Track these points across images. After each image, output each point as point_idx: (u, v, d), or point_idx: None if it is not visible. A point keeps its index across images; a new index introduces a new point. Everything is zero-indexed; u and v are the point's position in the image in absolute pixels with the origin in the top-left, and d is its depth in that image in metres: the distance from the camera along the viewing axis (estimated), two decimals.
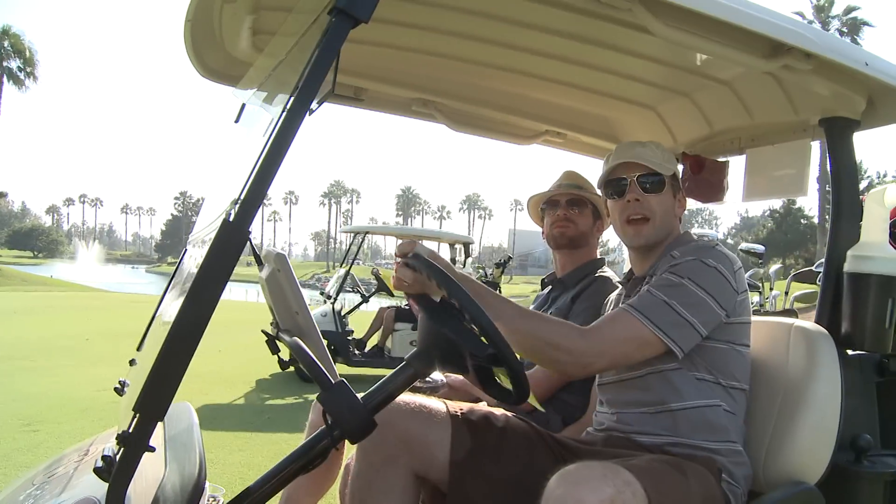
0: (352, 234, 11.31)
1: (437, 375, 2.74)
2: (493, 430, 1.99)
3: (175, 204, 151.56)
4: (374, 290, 10.89)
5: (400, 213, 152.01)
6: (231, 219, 1.41)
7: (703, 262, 1.94)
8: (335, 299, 9.61)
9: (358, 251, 11.13)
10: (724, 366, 1.98)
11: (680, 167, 2.89)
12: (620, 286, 2.33)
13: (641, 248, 2.18)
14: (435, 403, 2.01)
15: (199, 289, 1.40)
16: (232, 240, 1.40)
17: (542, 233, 3.06)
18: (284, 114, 1.44)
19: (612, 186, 2.17)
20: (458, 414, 2.00)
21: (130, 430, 1.37)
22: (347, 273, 10.38)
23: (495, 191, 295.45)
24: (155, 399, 1.37)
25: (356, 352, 9.53)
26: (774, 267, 11.05)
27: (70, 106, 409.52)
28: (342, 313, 9.77)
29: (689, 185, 2.78)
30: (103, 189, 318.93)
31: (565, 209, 2.88)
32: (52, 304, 18.36)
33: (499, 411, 2.09)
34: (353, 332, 9.90)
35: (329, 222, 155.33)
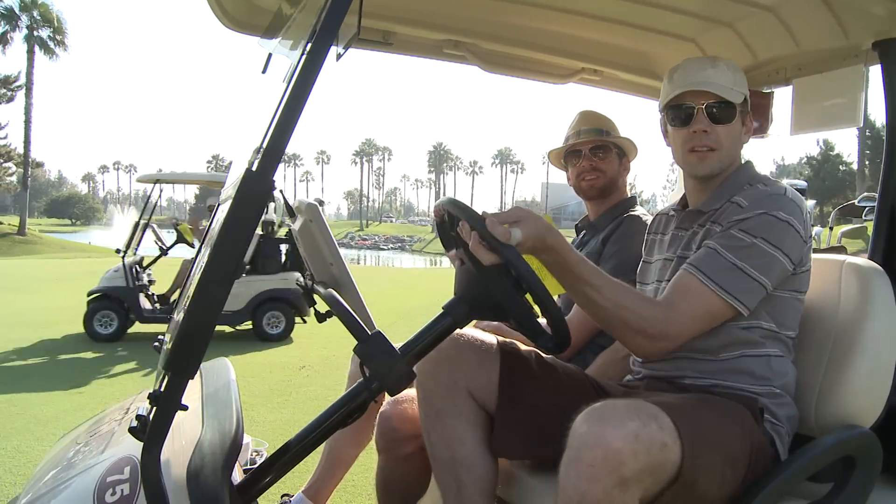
0: (151, 185, 10.41)
1: None
2: (540, 364, 1.98)
3: (208, 167, 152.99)
4: (174, 243, 10.30)
5: (432, 169, 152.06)
6: (254, 168, 1.36)
7: (775, 217, 1.81)
8: (125, 253, 9.17)
9: (156, 204, 10.39)
10: (783, 316, 1.89)
11: None
12: (673, 212, 2.17)
13: (707, 178, 2.02)
14: (482, 335, 1.98)
15: (226, 241, 1.36)
16: (256, 189, 1.35)
17: (568, 181, 2.96)
18: (304, 57, 1.38)
19: (676, 113, 1.99)
20: (506, 344, 1.98)
21: (162, 390, 1.36)
22: (137, 225, 9.79)
23: (527, 144, 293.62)
24: (184, 356, 1.34)
25: (149, 307, 9.16)
26: (810, 202, 10.54)
27: (99, 73, 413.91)
28: (143, 267, 9.43)
29: None
30: (136, 155, 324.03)
31: (590, 159, 2.79)
32: (92, 269, 18.64)
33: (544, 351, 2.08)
34: (149, 285, 9.50)
35: (361, 181, 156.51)
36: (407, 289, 14.93)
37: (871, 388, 1.94)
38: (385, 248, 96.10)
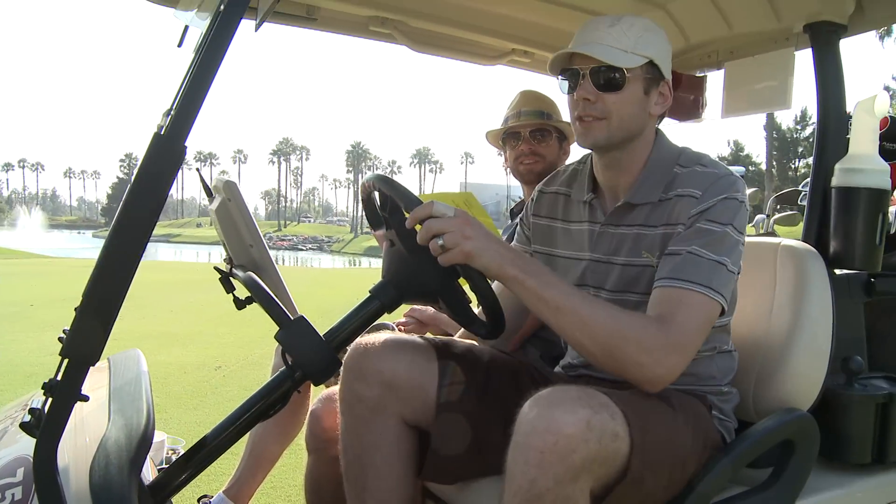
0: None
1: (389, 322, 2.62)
2: (478, 366, 1.84)
3: (121, 166, 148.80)
4: None
5: (350, 168, 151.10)
6: (163, 132, 1.23)
7: (735, 199, 1.69)
8: None
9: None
10: (730, 301, 1.76)
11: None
12: (586, 199, 1.91)
13: (600, 150, 1.83)
14: (418, 341, 1.84)
15: (132, 211, 1.22)
16: (166, 155, 1.23)
17: (504, 163, 2.90)
18: (214, 27, 1.26)
19: (566, 77, 1.80)
20: (443, 349, 1.83)
21: (59, 378, 1.20)
22: None
23: (446, 144, 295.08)
24: (85, 340, 1.19)
25: None
26: (750, 190, 10.41)
27: (2, 65, 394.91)
28: None
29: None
30: (44, 153, 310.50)
31: (529, 142, 2.74)
32: None
33: (483, 345, 1.94)
34: None
35: (279, 181, 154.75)
36: (327, 288, 14.72)
37: (809, 370, 1.93)
38: (304, 248, 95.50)
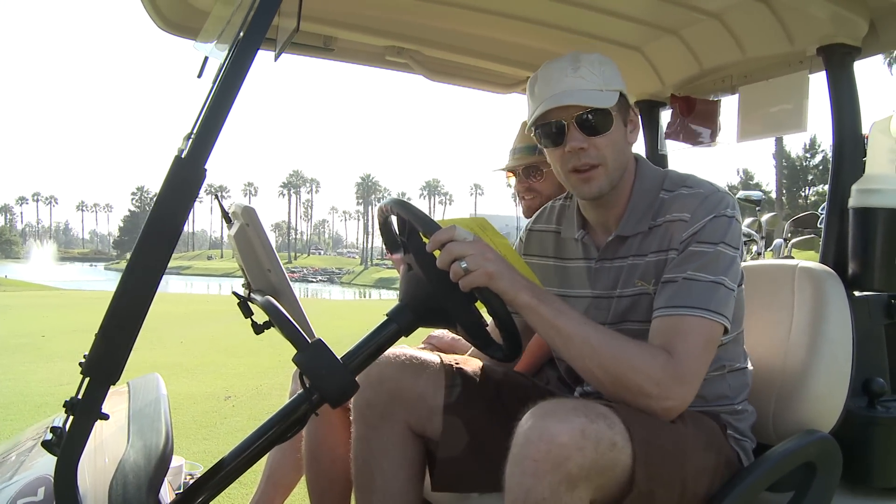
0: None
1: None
2: (488, 385, 1.87)
3: (132, 199, 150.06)
4: None
5: (360, 200, 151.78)
6: (183, 155, 1.25)
7: (725, 215, 1.68)
8: None
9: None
10: (736, 315, 1.74)
11: (669, 111, 2.78)
12: (577, 236, 1.92)
13: (595, 198, 1.82)
14: (427, 355, 1.88)
15: (153, 233, 1.23)
16: (187, 178, 1.25)
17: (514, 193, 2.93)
18: (231, 56, 1.29)
19: (546, 131, 1.76)
20: (453, 366, 1.86)
21: (80, 396, 1.21)
22: None
23: (456, 176, 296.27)
24: (106, 359, 1.20)
25: None
26: (767, 216, 9.64)
27: (18, 100, 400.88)
28: None
29: (679, 128, 2.66)
30: (58, 186, 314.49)
31: (523, 181, 2.75)
32: (5, 303, 17.80)
33: (497, 365, 1.94)
34: None
35: (289, 213, 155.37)
36: (337, 318, 14.71)
37: (829, 392, 1.93)
38: (314, 280, 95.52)
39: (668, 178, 1.84)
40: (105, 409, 1.26)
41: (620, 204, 1.84)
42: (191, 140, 1.28)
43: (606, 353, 1.54)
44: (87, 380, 1.22)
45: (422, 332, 1.97)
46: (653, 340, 1.64)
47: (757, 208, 8.72)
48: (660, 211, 1.78)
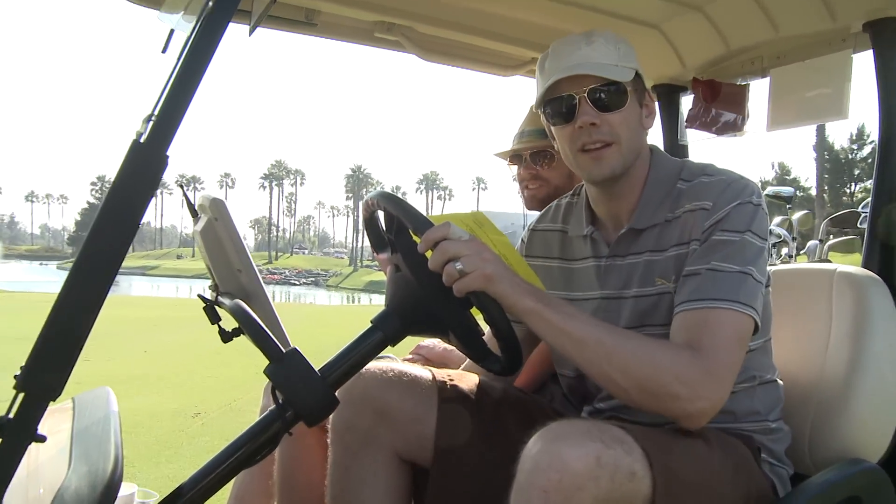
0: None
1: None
2: (486, 406, 1.83)
3: (92, 190, 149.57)
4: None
5: (350, 195, 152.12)
6: (143, 140, 1.22)
7: (751, 202, 1.68)
8: None
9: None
10: (764, 317, 1.72)
11: (690, 96, 2.75)
12: (586, 233, 1.92)
13: (609, 181, 1.82)
14: (417, 370, 1.85)
15: (106, 226, 1.20)
16: (146, 165, 1.22)
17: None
18: (198, 28, 1.27)
19: (555, 107, 1.79)
20: (447, 383, 1.83)
21: (11, 415, 1.16)
22: None
23: (456, 168, 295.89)
24: (45, 372, 1.16)
25: None
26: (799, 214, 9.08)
27: None
28: None
29: (702, 115, 2.62)
30: (2, 175, 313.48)
31: (530, 167, 2.73)
32: None
33: (496, 381, 1.91)
34: None
35: (270, 208, 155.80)
36: (322, 327, 14.69)
37: (876, 415, 1.89)
38: (297, 283, 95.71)
39: (685, 168, 1.85)
40: (43, 429, 1.21)
41: (634, 194, 1.85)
42: (151, 122, 1.25)
43: (625, 354, 1.52)
44: (20, 396, 1.17)
45: (410, 342, 1.95)
46: (675, 339, 1.62)
47: (788, 206, 8.40)
48: (678, 201, 1.78)
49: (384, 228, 1.75)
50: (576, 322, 1.54)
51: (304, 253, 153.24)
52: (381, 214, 1.74)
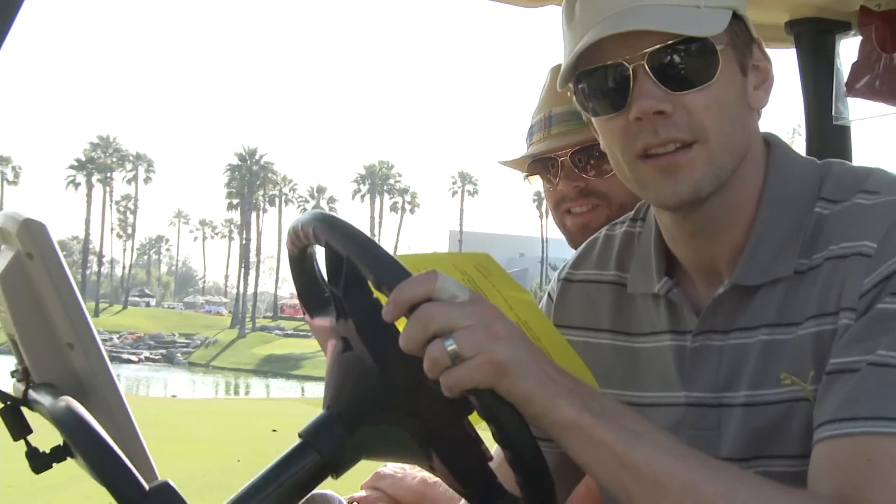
0: None
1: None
2: None
3: None
4: None
5: (235, 198, 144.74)
6: None
7: None
8: None
9: None
10: None
11: (854, 40, 2.72)
12: (658, 291, 2.02)
13: (688, 206, 1.83)
14: None
15: None
16: None
17: (534, 194, 2.92)
18: None
19: (594, 85, 1.81)
20: None
21: None
22: None
23: (423, 158, 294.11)
24: None
25: None
26: None
27: None
28: None
29: (879, 75, 2.60)
30: None
31: (571, 176, 2.77)
32: None
33: None
34: None
35: (88, 220, 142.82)
36: (182, 442, 14.73)
37: None
38: (135, 359, 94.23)
39: (830, 177, 1.79)
40: None
41: (740, 226, 1.83)
42: None
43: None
44: None
45: (365, 469, 2.00)
46: (817, 482, 1.58)
47: None
48: (818, 238, 1.74)
49: (324, 277, 1.73)
50: (647, 448, 1.49)
51: (148, 304, 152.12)
52: (319, 252, 1.71)
